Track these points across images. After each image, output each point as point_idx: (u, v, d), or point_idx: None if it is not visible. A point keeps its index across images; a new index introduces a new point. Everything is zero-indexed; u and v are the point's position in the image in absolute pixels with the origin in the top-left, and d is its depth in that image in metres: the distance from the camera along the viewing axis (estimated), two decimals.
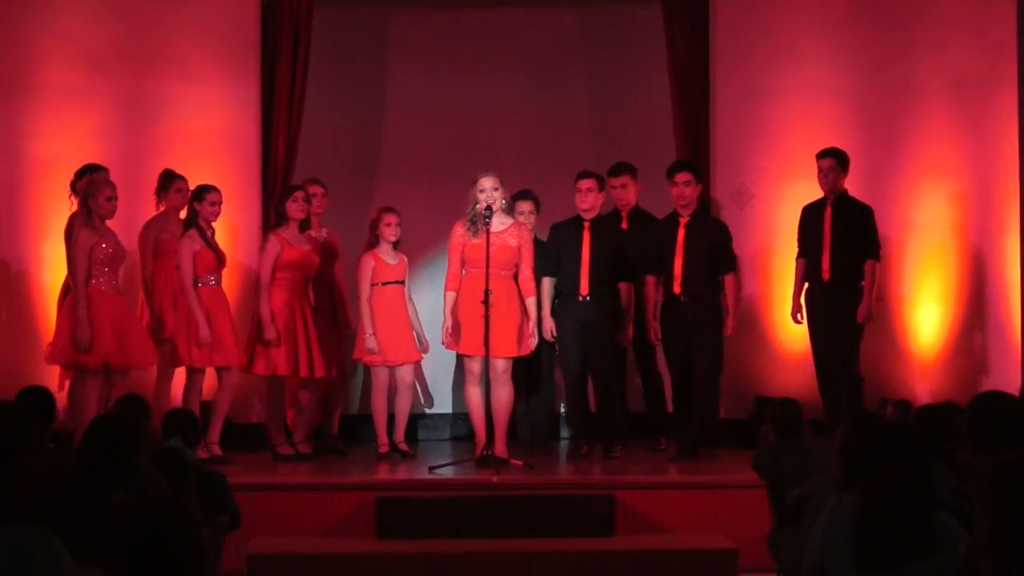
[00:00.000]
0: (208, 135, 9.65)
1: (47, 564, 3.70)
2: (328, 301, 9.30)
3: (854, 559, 4.45)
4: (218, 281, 8.87)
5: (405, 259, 9.21)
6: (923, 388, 9.65)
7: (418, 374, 9.84)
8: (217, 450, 8.75)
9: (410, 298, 9.21)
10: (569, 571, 7.29)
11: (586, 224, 8.99)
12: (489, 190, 8.42)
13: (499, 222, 8.47)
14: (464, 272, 8.56)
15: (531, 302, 8.54)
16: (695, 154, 9.66)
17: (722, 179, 9.77)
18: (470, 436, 9.04)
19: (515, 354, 8.53)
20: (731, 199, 9.79)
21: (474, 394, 8.55)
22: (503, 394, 8.50)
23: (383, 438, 9.10)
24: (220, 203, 8.85)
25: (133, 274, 9.10)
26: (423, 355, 9.30)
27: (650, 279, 9.06)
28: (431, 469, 8.39)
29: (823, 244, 9.08)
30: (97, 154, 9.28)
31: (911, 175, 9.83)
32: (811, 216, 9.21)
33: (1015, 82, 9.62)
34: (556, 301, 8.99)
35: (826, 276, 9.06)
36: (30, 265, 9.56)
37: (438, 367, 10.03)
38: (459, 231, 8.54)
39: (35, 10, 9.62)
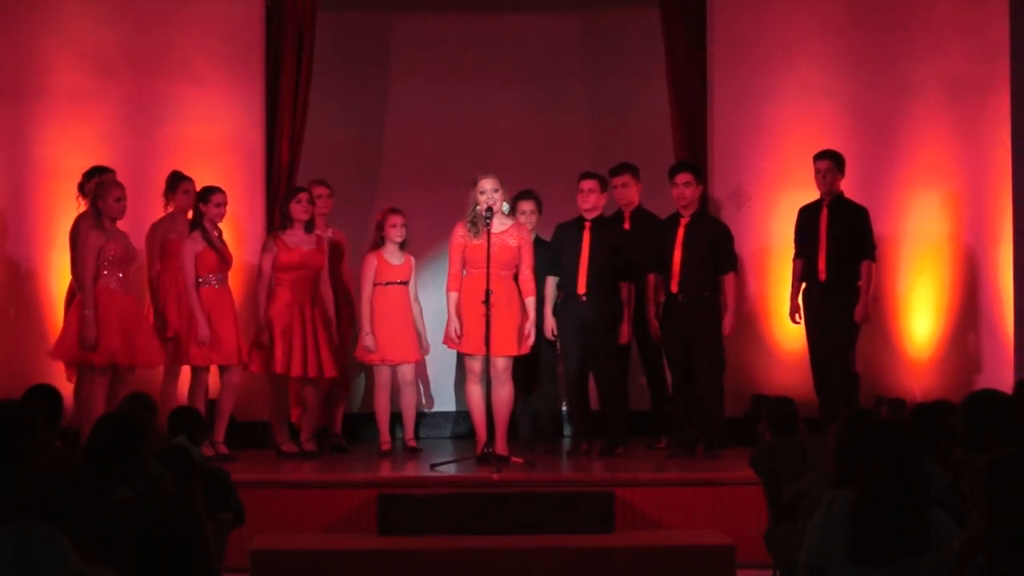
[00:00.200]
0: (213, 138, 9.69)
1: (53, 561, 3.68)
2: (334, 300, 9.34)
3: (849, 555, 4.48)
4: (221, 281, 8.91)
5: (412, 260, 9.24)
6: (917, 387, 9.67)
7: (421, 373, 9.88)
8: (223, 448, 8.81)
9: (416, 299, 9.25)
10: (569, 567, 7.30)
11: (587, 224, 9.04)
12: (489, 191, 8.46)
13: (499, 223, 8.52)
14: (465, 272, 8.61)
15: (530, 302, 8.58)
16: (693, 156, 9.70)
17: (720, 181, 9.81)
18: (471, 434, 9.07)
19: (515, 353, 8.58)
20: (728, 200, 9.84)
21: (475, 392, 8.59)
22: (504, 393, 8.55)
23: (385, 436, 9.15)
24: (225, 204, 8.91)
25: (140, 274, 9.14)
26: (423, 356, 9.34)
27: (651, 278, 9.12)
28: (432, 467, 8.43)
29: (819, 245, 9.12)
30: (103, 156, 9.31)
31: (906, 177, 9.85)
32: (807, 217, 9.25)
33: (1008, 85, 9.64)
34: (559, 300, 9.06)
35: (822, 277, 9.10)
36: (37, 265, 9.60)
37: (439, 366, 10.07)
38: (460, 232, 8.59)
39: (41, 13, 9.65)
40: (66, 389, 8.37)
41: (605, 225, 9.09)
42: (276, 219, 9.24)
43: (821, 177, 9.17)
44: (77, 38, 9.67)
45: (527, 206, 9.26)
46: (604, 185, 9.14)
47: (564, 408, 9.72)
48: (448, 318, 8.58)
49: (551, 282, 9.02)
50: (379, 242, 9.21)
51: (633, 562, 7.35)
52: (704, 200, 9.27)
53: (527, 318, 8.56)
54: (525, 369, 9.19)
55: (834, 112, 9.83)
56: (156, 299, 9.07)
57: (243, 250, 9.48)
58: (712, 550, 7.40)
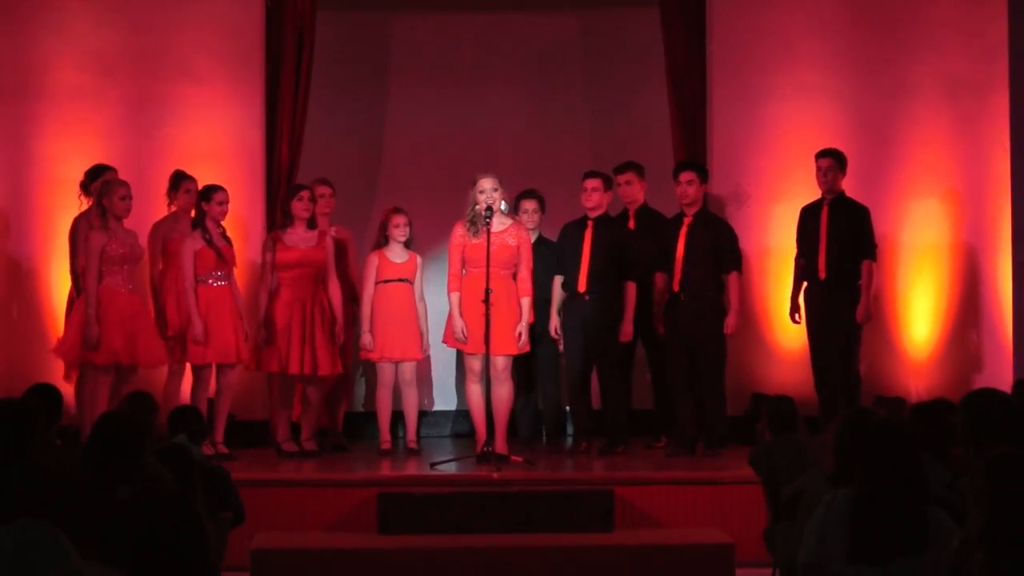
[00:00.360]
0: (213, 137, 9.70)
1: (54, 560, 3.70)
2: (338, 298, 9.34)
3: (848, 553, 4.50)
4: (222, 280, 8.89)
5: (417, 259, 9.22)
6: (917, 385, 9.68)
7: (424, 372, 9.90)
8: (223, 447, 8.82)
9: (422, 298, 9.24)
10: (568, 566, 7.31)
11: (590, 223, 9.06)
12: (489, 191, 8.47)
13: (499, 222, 8.53)
14: (464, 272, 8.62)
15: (525, 302, 8.59)
16: (692, 156, 9.69)
17: (719, 180, 9.81)
18: (471, 433, 9.08)
19: (515, 352, 8.59)
20: (728, 200, 9.85)
21: (475, 391, 8.60)
22: (503, 391, 8.55)
23: (385, 435, 9.16)
24: (227, 202, 8.92)
25: (143, 273, 9.15)
26: (423, 355, 9.35)
27: (659, 276, 9.12)
28: (432, 465, 8.44)
29: (819, 243, 9.14)
30: (103, 156, 9.33)
31: (905, 176, 9.86)
32: (809, 216, 9.26)
33: (1007, 85, 9.65)
34: (563, 299, 9.08)
35: (822, 275, 9.11)
36: (39, 264, 9.61)
37: (439, 365, 10.09)
38: (459, 232, 8.60)
39: (43, 13, 9.65)
40: (66, 388, 8.39)
41: (607, 224, 9.10)
42: (277, 218, 9.25)
43: (822, 175, 9.18)
44: (77, 38, 9.68)
45: (530, 205, 9.28)
46: (608, 184, 9.15)
47: (567, 408, 9.73)
48: (451, 318, 8.58)
49: (557, 281, 9.04)
50: (383, 242, 9.22)
51: (633, 561, 7.36)
52: (705, 199, 9.28)
53: (521, 318, 8.56)
54: (525, 368, 9.20)
55: (833, 112, 9.84)
56: (158, 298, 9.08)
57: (243, 249, 9.48)
58: (711, 549, 7.40)
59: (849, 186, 9.28)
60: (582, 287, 8.97)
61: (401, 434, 9.37)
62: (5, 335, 9.57)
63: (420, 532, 7.55)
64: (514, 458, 8.46)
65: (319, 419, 9.21)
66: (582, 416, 9.14)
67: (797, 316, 9.28)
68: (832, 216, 9.14)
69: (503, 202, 8.56)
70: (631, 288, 9.04)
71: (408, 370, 9.19)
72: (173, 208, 9.26)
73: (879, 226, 9.33)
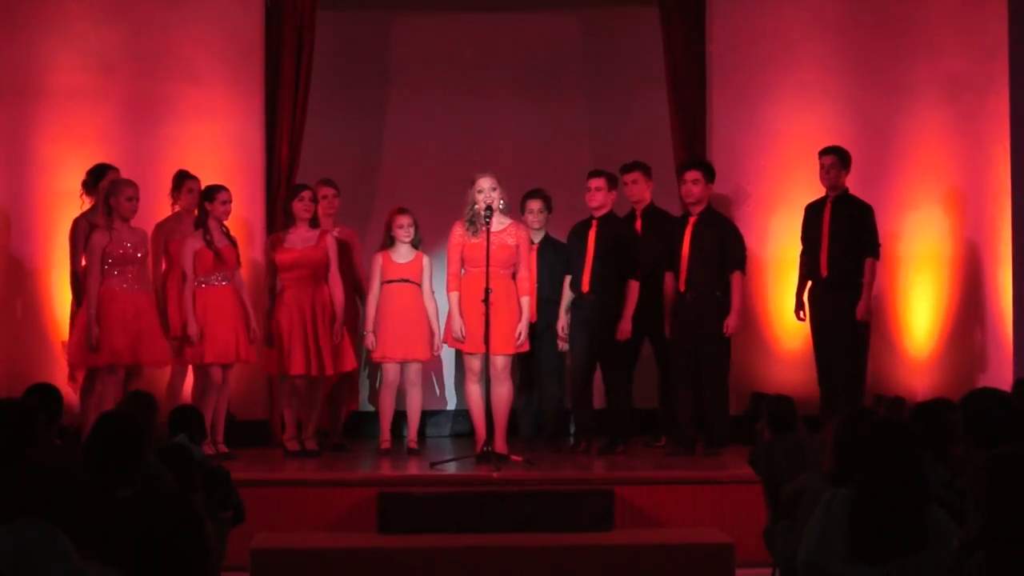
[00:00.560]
0: (213, 137, 9.70)
1: (54, 559, 3.70)
2: (345, 298, 9.33)
3: (848, 553, 4.50)
4: (222, 280, 8.88)
5: (424, 258, 9.20)
6: (917, 385, 9.69)
7: (435, 371, 9.90)
8: (223, 447, 8.82)
9: (432, 297, 9.22)
10: (568, 565, 7.31)
11: (594, 222, 9.06)
12: (487, 190, 8.48)
13: (498, 221, 8.53)
14: (464, 271, 8.62)
15: (525, 301, 8.60)
16: (692, 156, 9.70)
17: (719, 180, 9.74)
18: (471, 433, 9.08)
19: (514, 351, 8.59)
20: (728, 199, 9.85)
21: (474, 391, 8.61)
22: (503, 391, 8.56)
23: (386, 434, 9.16)
24: (230, 202, 8.91)
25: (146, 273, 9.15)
26: (435, 354, 9.32)
27: (668, 275, 9.12)
28: (432, 465, 8.45)
29: (822, 241, 9.14)
30: (103, 155, 9.33)
31: (905, 176, 9.87)
32: (812, 214, 9.27)
33: (1006, 84, 9.65)
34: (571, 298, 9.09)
35: (824, 273, 9.12)
36: (40, 264, 9.61)
37: (439, 365, 10.09)
38: (458, 231, 8.61)
39: (42, 13, 9.66)
40: (67, 388, 8.40)
41: (612, 224, 9.11)
42: (279, 218, 9.25)
43: (825, 172, 9.19)
44: (78, 37, 9.68)
45: (535, 204, 9.29)
46: (612, 183, 9.15)
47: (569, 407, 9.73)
48: (450, 318, 8.59)
49: (567, 281, 9.05)
50: (388, 242, 9.22)
51: (632, 560, 7.36)
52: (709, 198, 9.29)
53: (521, 318, 8.56)
54: (526, 368, 9.20)
55: (833, 112, 9.85)
56: (161, 298, 9.08)
57: (243, 249, 9.47)
58: (711, 548, 7.41)
59: (849, 185, 9.27)
60: (585, 287, 8.97)
61: (404, 434, 9.37)
62: (6, 335, 9.57)
63: (420, 532, 7.56)
64: (514, 458, 8.46)
65: (321, 418, 9.20)
66: (584, 416, 9.14)
67: (802, 313, 9.28)
68: (835, 213, 9.14)
69: (502, 201, 8.56)
70: (633, 287, 9.03)
71: (414, 371, 9.16)
72: (176, 208, 9.26)
73: (879, 224, 9.31)
